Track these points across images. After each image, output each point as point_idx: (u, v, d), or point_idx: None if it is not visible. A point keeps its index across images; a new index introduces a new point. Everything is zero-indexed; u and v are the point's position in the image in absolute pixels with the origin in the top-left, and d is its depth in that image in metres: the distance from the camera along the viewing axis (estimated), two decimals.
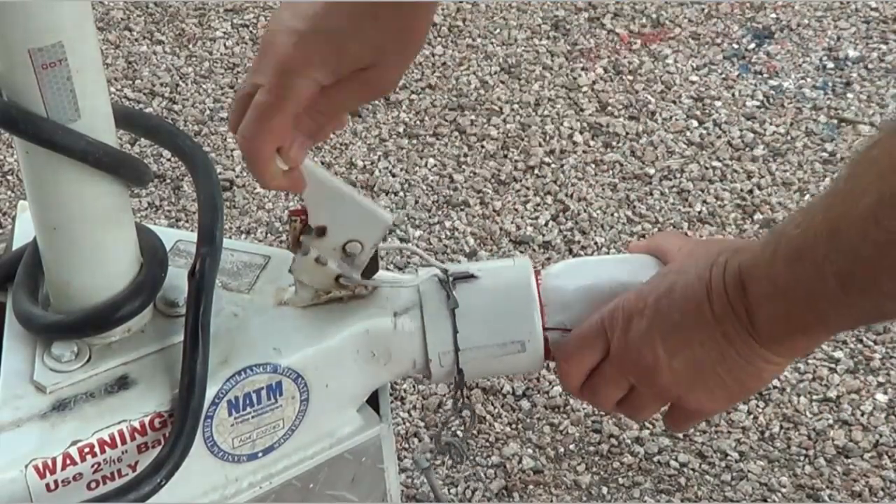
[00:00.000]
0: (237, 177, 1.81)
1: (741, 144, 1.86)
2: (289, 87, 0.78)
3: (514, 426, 1.44)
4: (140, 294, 0.83)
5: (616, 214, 1.73)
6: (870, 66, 2.01)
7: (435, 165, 1.83)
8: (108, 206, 0.80)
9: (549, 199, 1.76)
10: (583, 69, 2.01)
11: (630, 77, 2.00)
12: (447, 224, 1.72)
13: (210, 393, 0.80)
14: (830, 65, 2.02)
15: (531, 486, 1.38)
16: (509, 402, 1.47)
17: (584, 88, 1.97)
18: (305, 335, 0.85)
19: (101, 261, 0.82)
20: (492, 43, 2.08)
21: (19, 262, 0.87)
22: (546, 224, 1.72)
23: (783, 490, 1.37)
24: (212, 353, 0.81)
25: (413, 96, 1.96)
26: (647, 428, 1.43)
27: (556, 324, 0.89)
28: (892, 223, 0.65)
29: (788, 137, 1.87)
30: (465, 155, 1.85)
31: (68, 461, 0.77)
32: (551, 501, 1.37)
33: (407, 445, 1.43)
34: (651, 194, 1.77)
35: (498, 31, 2.11)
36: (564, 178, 1.80)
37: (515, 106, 1.94)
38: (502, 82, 1.99)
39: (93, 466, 0.78)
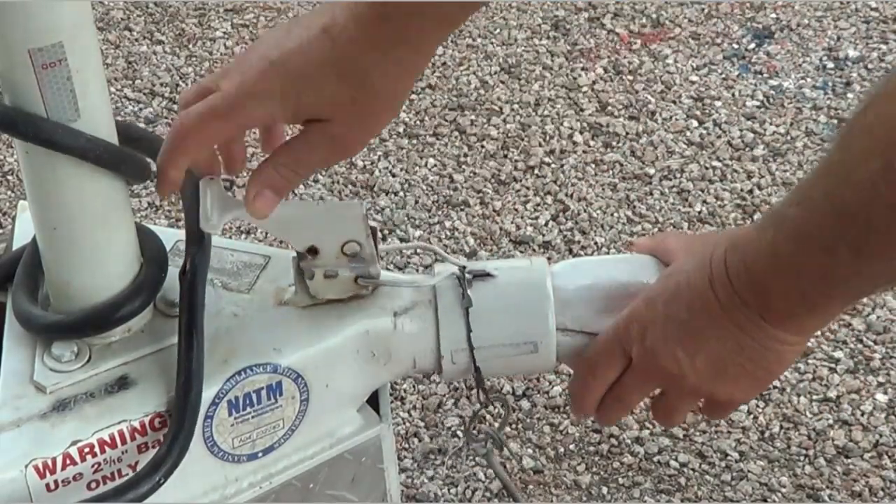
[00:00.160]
0: (237, 177, 1.81)
1: (741, 144, 1.86)
2: (241, 106, 0.78)
3: (514, 426, 1.44)
4: (140, 294, 0.83)
5: (616, 214, 1.73)
6: (870, 66, 2.01)
7: (435, 165, 1.83)
8: (109, 205, 0.80)
9: (549, 199, 1.76)
10: (583, 69, 2.01)
11: (630, 77, 2.00)
12: (447, 224, 1.72)
13: (210, 393, 0.80)
14: (830, 65, 2.02)
15: (531, 486, 1.38)
16: (509, 402, 1.47)
17: (584, 88, 1.97)
18: (305, 335, 0.85)
19: (101, 261, 0.82)
20: (492, 43, 2.08)
21: (19, 262, 0.87)
22: (546, 224, 1.72)
23: (783, 490, 1.37)
24: (212, 353, 0.81)
25: (413, 96, 1.96)
26: (647, 428, 1.43)
27: (557, 324, 0.89)
28: None
29: (788, 137, 1.87)
30: (465, 155, 1.85)
31: (68, 461, 0.77)
32: (551, 501, 1.37)
33: (407, 445, 1.43)
34: (651, 194, 1.77)
35: (498, 31, 2.11)
36: (564, 178, 1.80)
37: (515, 106, 1.94)
38: (502, 82, 1.99)
39: (93, 466, 0.78)
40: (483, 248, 1.69)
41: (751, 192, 1.77)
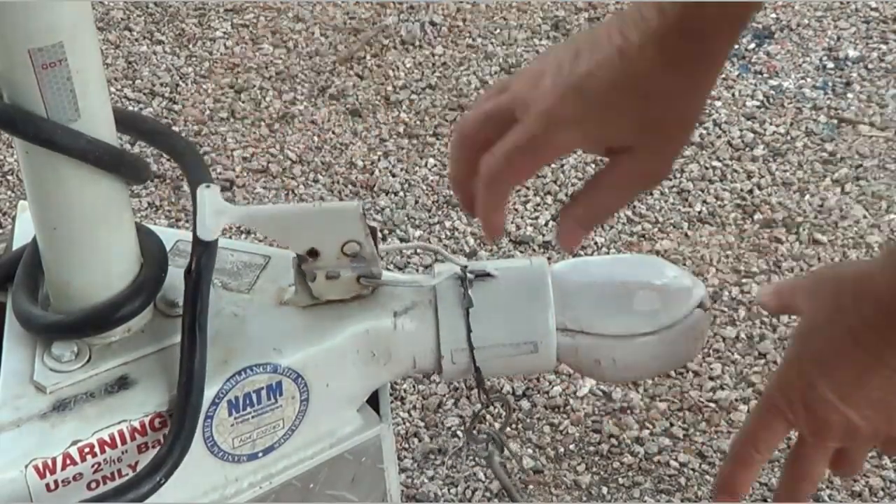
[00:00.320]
0: (237, 177, 1.81)
1: (741, 144, 1.86)
2: (550, 139, 0.76)
3: (514, 426, 1.44)
4: (140, 294, 0.83)
5: (616, 214, 1.73)
6: (870, 66, 2.01)
7: (435, 165, 1.83)
8: (109, 205, 0.80)
9: (549, 199, 1.76)
10: None
11: None
12: (447, 224, 1.72)
13: (210, 393, 0.80)
14: (830, 65, 2.02)
15: (531, 486, 1.38)
16: (510, 402, 1.47)
17: None
18: (306, 335, 0.85)
19: (101, 261, 0.82)
20: (492, 43, 2.08)
21: (19, 262, 0.87)
22: (546, 224, 1.72)
23: None
24: (212, 353, 0.81)
25: (413, 96, 1.96)
26: (647, 428, 1.43)
27: (557, 324, 0.89)
28: None
29: (788, 137, 1.87)
30: None
31: (68, 461, 0.77)
32: (551, 501, 1.37)
33: (407, 445, 1.43)
34: (651, 194, 1.77)
35: (498, 31, 2.11)
36: (564, 178, 1.80)
37: None
38: None
39: (93, 466, 0.78)
40: (483, 248, 1.69)
41: (751, 192, 1.77)
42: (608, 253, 1.67)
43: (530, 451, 1.42)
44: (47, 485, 0.77)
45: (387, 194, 1.78)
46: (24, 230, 0.90)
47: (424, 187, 1.79)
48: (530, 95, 0.77)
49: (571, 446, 1.42)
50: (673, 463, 1.40)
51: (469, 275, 0.88)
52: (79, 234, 0.80)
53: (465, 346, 0.87)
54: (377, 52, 2.06)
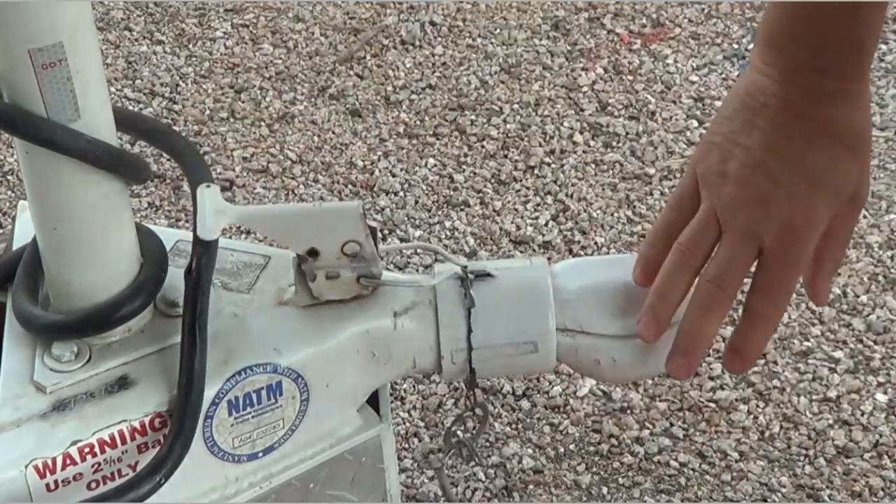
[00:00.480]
0: (237, 177, 1.81)
1: None
2: (802, 251, 0.81)
3: (514, 426, 1.44)
4: (140, 294, 0.83)
5: (616, 214, 1.73)
6: None
7: (435, 165, 1.83)
8: (109, 205, 0.80)
9: (549, 199, 1.76)
10: (583, 69, 2.01)
11: (630, 77, 2.00)
12: (447, 224, 1.72)
13: (210, 393, 0.80)
14: None
15: (531, 486, 1.38)
16: (509, 402, 1.47)
17: (584, 88, 1.97)
18: (306, 335, 0.85)
19: (102, 260, 0.82)
20: (492, 43, 2.08)
21: (19, 262, 0.87)
22: (546, 224, 1.72)
23: (783, 490, 1.37)
24: (212, 353, 0.81)
25: (413, 96, 1.96)
26: (647, 428, 1.43)
27: (557, 324, 0.89)
28: None
29: None
30: (465, 155, 1.85)
31: (68, 461, 0.77)
32: (551, 501, 1.37)
33: (407, 445, 1.43)
34: (651, 194, 1.77)
35: (498, 31, 2.11)
36: (564, 178, 1.80)
37: (515, 106, 1.94)
38: (502, 82, 1.99)
39: (93, 466, 0.78)
40: (483, 248, 1.69)
41: None
42: (608, 253, 1.67)
43: (530, 451, 1.42)
44: (47, 485, 0.77)
45: (387, 194, 1.78)
46: (24, 230, 0.90)
47: (424, 187, 1.79)
48: (766, 214, 0.81)
49: (571, 446, 1.42)
50: (673, 463, 1.40)
51: (469, 275, 0.88)
52: (79, 234, 0.80)
53: (465, 346, 0.87)
54: (377, 52, 2.06)
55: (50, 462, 0.76)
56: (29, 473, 0.76)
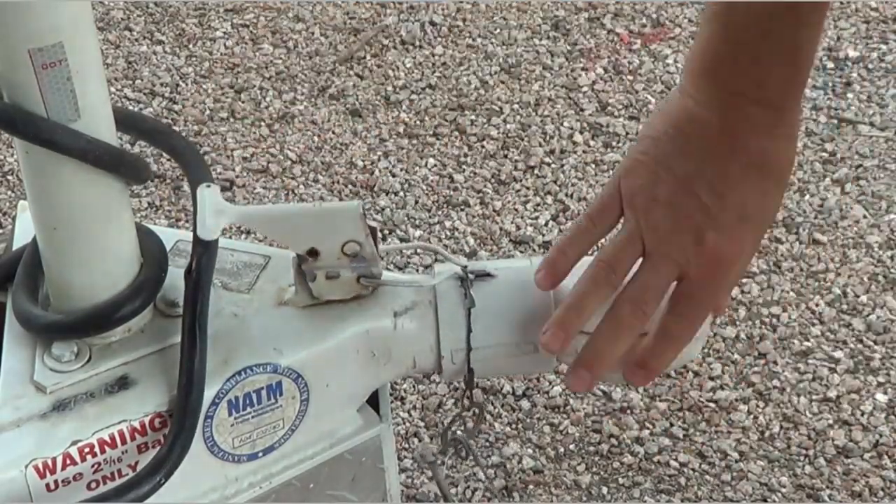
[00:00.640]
0: (237, 177, 1.81)
1: None
2: (725, 282, 0.83)
3: (514, 426, 1.44)
4: (140, 294, 0.83)
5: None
6: (870, 66, 2.01)
7: (435, 165, 1.83)
8: (109, 205, 0.80)
9: (549, 199, 1.76)
10: (583, 69, 2.01)
11: (630, 77, 2.00)
12: (447, 224, 1.72)
13: (210, 393, 0.80)
14: (830, 65, 2.02)
15: (531, 486, 1.38)
16: (509, 402, 1.47)
17: (584, 88, 1.97)
18: (306, 335, 0.85)
19: (102, 260, 0.82)
20: (492, 43, 2.08)
21: (19, 262, 0.87)
22: (546, 224, 1.72)
23: (783, 490, 1.37)
24: (212, 353, 0.81)
25: (413, 96, 1.96)
26: (647, 428, 1.43)
27: None
28: None
29: None
30: (465, 155, 1.85)
31: (68, 461, 0.77)
32: (551, 501, 1.37)
33: (407, 445, 1.43)
34: None
35: (498, 31, 2.11)
36: (564, 178, 1.80)
37: (515, 106, 1.94)
38: (502, 82, 1.99)
39: (93, 466, 0.78)
40: (483, 248, 1.69)
41: None
42: None
43: (530, 451, 1.42)
44: (47, 485, 0.77)
45: (387, 194, 1.78)
46: (24, 230, 0.90)
47: (424, 187, 1.79)
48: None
49: (571, 446, 1.42)
50: (673, 463, 1.40)
51: (469, 275, 0.88)
52: (79, 234, 0.80)
53: (465, 346, 0.87)
54: (377, 52, 2.06)
55: (50, 462, 0.76)
56: (29, 473, 0.76)
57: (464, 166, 1.83)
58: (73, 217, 0.79)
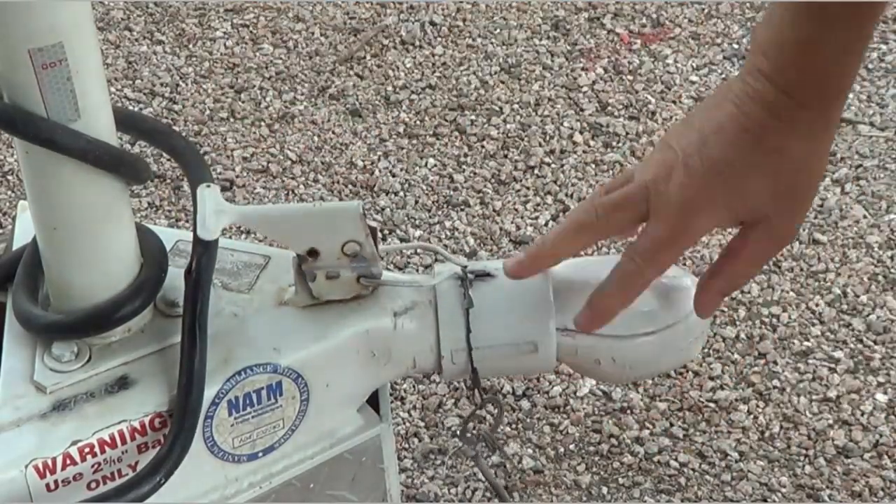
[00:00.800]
0: (237, 177, 1.81)
1: None
2: (691, 229, 0.80)
3: (514, 426, 1.44)
4: (140, 294, 0.83)
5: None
6: (870, 66, 2.01)
7: (435, 165, 1.83)
8: (109, 205, 0.80)
9: (549, 199, 1.76)
10: (583, 69, 2.01)
11: (630, 77, 2.00)
12: (447, 224, 1.72)
13: (210, 393, 0.80)
14: None
15: (531, 486, 1.38)
16: (509, 402, 1.47)
17: (584, 88, 1.97)
18: (306, 335, 0.85)
19: (102, 260, 0.82)
20: (492, 43, 2.08)
21: (19, 262, 0.87)
22: (546, 224, 1.72)
23: (783, 490, 1.37)
24: (212, 353, 0.81)
25: (413, 96, 1.96)
26: (647, 428, 1.43)
27: (557, 324, 0.89)
28: None
29: None
30: (465, 155, 1.85)
31: (68, 461, 0.77)
32: (551, 501, 1.37)
33: (407, 445, 1.43)
34: None
35: (498, 31, 2.11)
36: (564, 178, 1.80)
37: (515, 106, 1.94)
38: (502, 82, 1.99)
39: (93, 466, 0.78)
40: (483, 248, 1.69)
41: None
42: (608, 253, 1.66)
43: (530, 451, 1.42)
44: (47, 485, 0.77)
45: (387, 194, 1.78)
46: (24, 230, 0.90)
47: (424, 187, 1.79)
48: (665, 189, 0.80)
49: (571, 446, 1.42)
50: (673, 463, 1.40)
51: (469, 275, 0.88)
52: (79, 234, 0.80)
53: (465, 346, 0.87)
54: (377, 52, 2.06)
55: (50, 462, 0.76)
56: (29, 473, 0.76)
57: (464, 166, 1.83)
58: (73, 217, 0.79)
